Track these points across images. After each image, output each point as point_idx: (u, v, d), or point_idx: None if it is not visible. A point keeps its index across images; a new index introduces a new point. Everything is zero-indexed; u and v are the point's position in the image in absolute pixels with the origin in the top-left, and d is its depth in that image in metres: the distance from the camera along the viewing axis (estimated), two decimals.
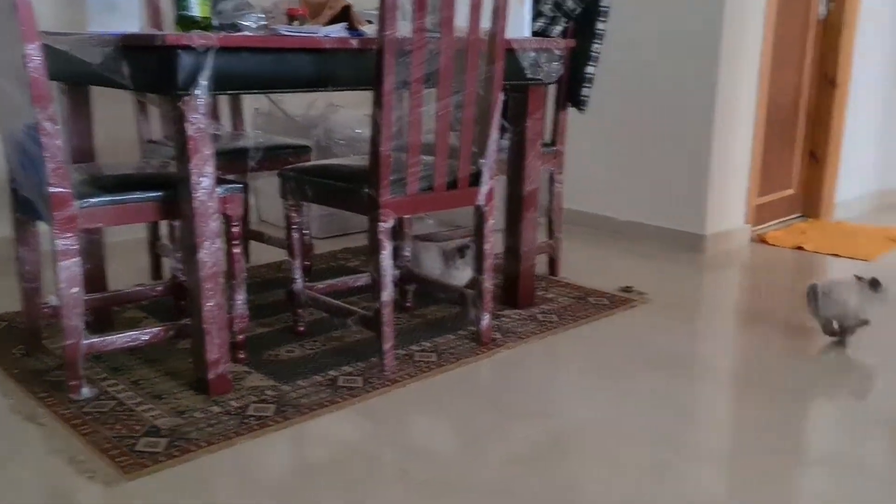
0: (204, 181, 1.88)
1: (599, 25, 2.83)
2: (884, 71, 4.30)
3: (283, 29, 2.05)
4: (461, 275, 2.66)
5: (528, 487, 1.67)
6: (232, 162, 2.61)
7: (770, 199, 3.92)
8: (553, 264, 3.09)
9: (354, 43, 2.02)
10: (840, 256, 3.47)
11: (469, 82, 2.18)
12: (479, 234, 2.34)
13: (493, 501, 1.62)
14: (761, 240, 3.71)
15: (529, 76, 2.44)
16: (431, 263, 2.67)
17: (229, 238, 2.13)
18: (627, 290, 2.95)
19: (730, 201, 3.58)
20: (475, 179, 2.30)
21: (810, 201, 4.16)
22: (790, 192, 4.08)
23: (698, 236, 3.50)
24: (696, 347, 2.51)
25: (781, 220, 4.05)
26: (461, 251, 2.66)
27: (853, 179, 4.28)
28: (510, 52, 2.34)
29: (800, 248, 3.60)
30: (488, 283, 2.36)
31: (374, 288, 2.14)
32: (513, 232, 2.69)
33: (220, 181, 1.99)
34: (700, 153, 3.44)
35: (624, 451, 1.82)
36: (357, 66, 2.06)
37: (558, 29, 2.80)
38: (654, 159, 3.62)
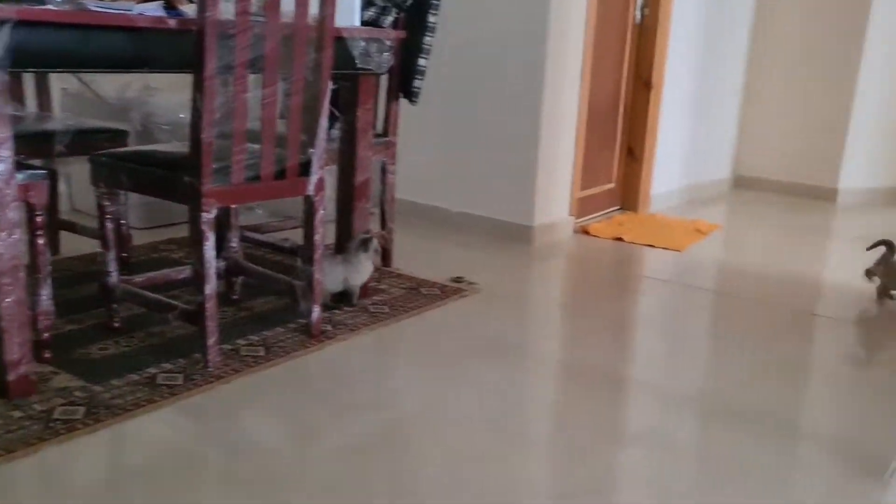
0: None
1: (431, 18, 2.86)
2: (693, 73, 4.65)
3: (92, 4, 1.90)
4: (364, 269, 2.61)
5: (360, 480, 1.66)
6: (36, 146, 2.41)
7: (592, 192, 4.13)
8: (385, 255, 3.09)
9: (172, 23, 1.92)
10: (655, 247, 3.71)
11: (297, 69, 2.13)
12: (308, 224, 2.30)
13: (325, 497, 1.60)
14: (584, 231, 3.90)
15: (360, 65, 2.42)
16: (328, 276, 2.54)
17: (32, 228, 1.96)
18: (459, 280, 3.01)
19: (555, 194, 3.74)
20: (304, 169, 2.25)
21: (628, 195, 4.42)
22: (610, 186, 4.32)
23: (526, 227, 3.62)
24: (523, 335, 2.60)
25: (602, 212, 4.27)
26: (364, 244, 2.60)
27: (666, 175, 4.59)
28: (340, 41, 2.31)
29: (619, 238, 3.81)
30: (318, 274, 2.32)
31: (197, 281, 2.04)
32: (344, 222, 2.66)
33: (21, 166, 1.83)
34: (528, 148, 3.56)
35: (454, 439, 1.85)
36: (175, 48, 1.95)
37: (389, 19, 2.80)
38: (484, 153, 3.71)
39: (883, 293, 3.07)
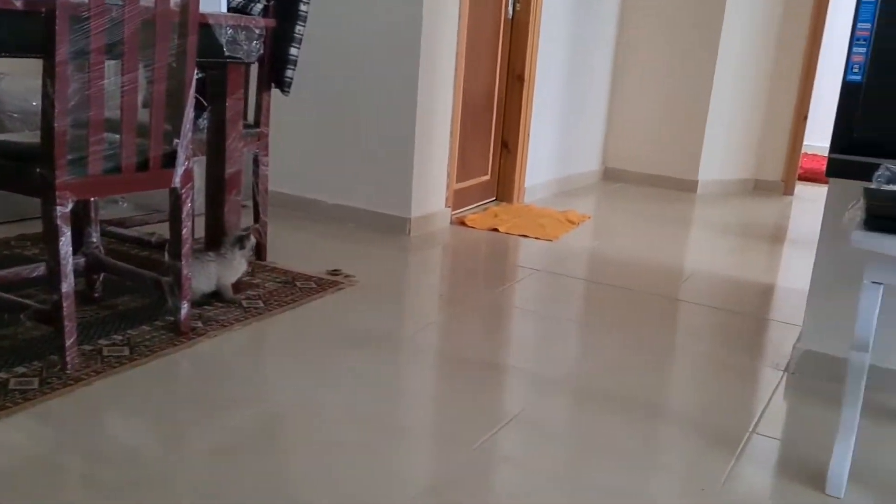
0: None
1: (302, 7, 2.81)
2: (564, 68, 4.79)
3: None
4: (238, 267, 2.52)
5: (232, 479, 1.61)
6: None
7: (468, 184, 4.18)
8: (260, 248, 3.01)
9: (18, 4, 1.79)
10: (528, 237, 3.81)
11: (159, 56, 2.04)
12: (175, 218, 2.21)
13: (196, 499, 1.55)
14: (460, 222, 3.95)
15: (228, 54, 2.35)
16: (200, 277, 2.43)
17: None
18: (335, 273, 2.98)
19: (431, 186, 3.77)
20: (169, 160, 2.16)
21: (503, 187, 4.51)
22: (486, 178, 4.39)
23: (403, 219, 3.63)
24: (400, 326, 2.60)
25: (478, 204, 4.34)
26: (241, 241, 2.50)
27: (539, 167, 4.71)
28: (205, 27, 2.23)
29: (494, 229, 3.89)
30: (186, 269, 2.24)
31: (52, 278, 1.92)
32: (215, 216, 2.58)
33: None
34: (404, 140, 3.57)
35: (329, 432, 1.83)
36: (22, 31, 1.82)
37: (259, 7, 2.73)
38: (360, 145, 3.68)
39: None
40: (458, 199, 4.07)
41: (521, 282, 3.16)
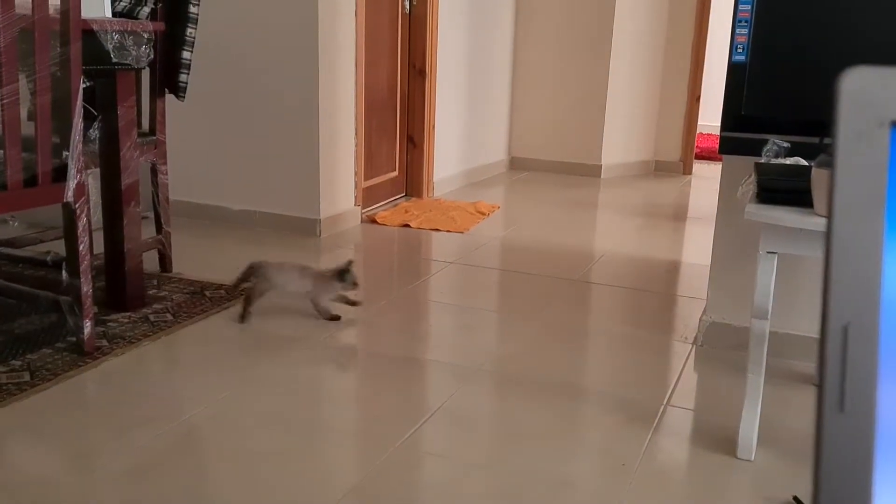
0: None
1: (192, 9, 2.73)
2: (465, 61, 4.82)
3: None
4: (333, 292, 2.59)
5: (153, 498, 1.56)
6: None
7: (376, 181, 4.16)
8: (164, 260, 2.92)
9: None
10: (440, 230, 3.82)
11: (40, 65, 1.94)
12: (70, 234, 2.11)
13: None
14: (371, 220, 3.93)
15: (115, 60, 2.26)
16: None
17: None
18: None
19: (339, 185, 3.73)
20: (60, 174, 2.07)
21: (412, 182, 4.51)
22: (394, 174, 4.38)
23: (313, 221, 3.58)
24: (315, 328, 2.56)
25: (388, 200, 4.33)
26: (341, 275, 2.57)
27: (446, 160, 4.73)
28: (89, 34, 2.14)
29: (406, 225, 3.88)
30: (86, 287, 2.15)
31: None
32: (113, 229, 2.48)
33: None
34: (308, 141, 3.52)
35: (249, 441, 1.79)
36: None
37: (146, 10, 2.63)
38: (263, 148, 3.61)
39: None
40: (368, 196, 4.05)
41: (435, 275, 3.17)
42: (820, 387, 0.32)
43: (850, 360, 0.31)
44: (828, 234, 0.31)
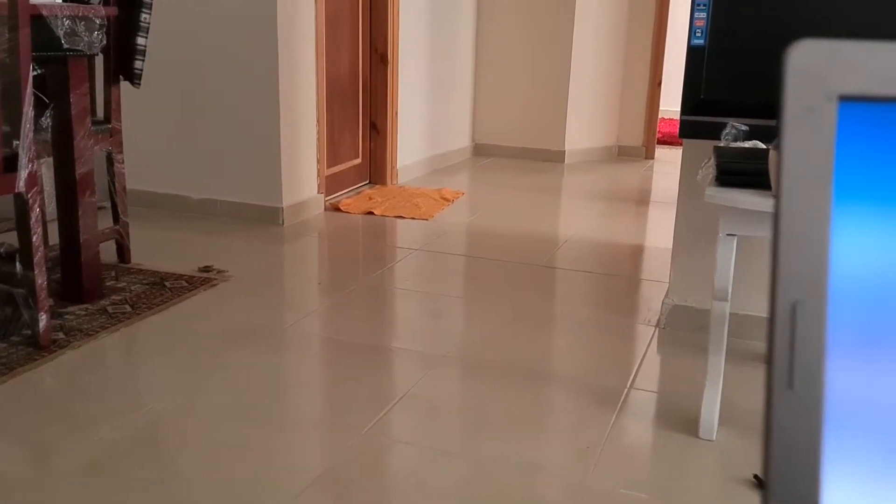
0: None
1: None
2: (428, 47, 4.79)
3: None
4: None
5: (115, 492, 1.53)
6: None
7: (340, 169, 4.13)
8: (122, 251, 2.87)
9: None
10: (404, 218, 3.80)
11: None
12: (23, 225, 2.06)
13: None
14: (335, 208, 3.90)
15: (67, 46, 2.20)
16: None
17: None
18: (207, 269, 2.87)
19: (302, 173, 3.69)
20: (10, 164, 2.01)
21: (376, 169, 4.48)
22: (357, 161, 4.34)
23: (275, 209, 3.54)
24: (279, 318, 2.54)
25: (352, 188, 4.30)
26: None
27: (410, 147, 4.71)
28: (39, 19, 2.08)
29: (370, 212, 3.86)
30: (41, 279, 2.10)
31: None
32: (68, 220, 2.42)
33: None
34: (269, 128, 3.47)
35: (212, 433, 1.77)
36: None
37: None
38: (223, 136, 3.56)
39: None
40: (331, 184, 4.01)
41: (400, 262, 3.16)
42: (769, 365, 0.32)
43: (799, 338, 0.31)
44: (776, 211, 0.31)
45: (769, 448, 0.32)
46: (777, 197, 0.31)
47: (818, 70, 0.30)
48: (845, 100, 0.31)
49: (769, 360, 0.32)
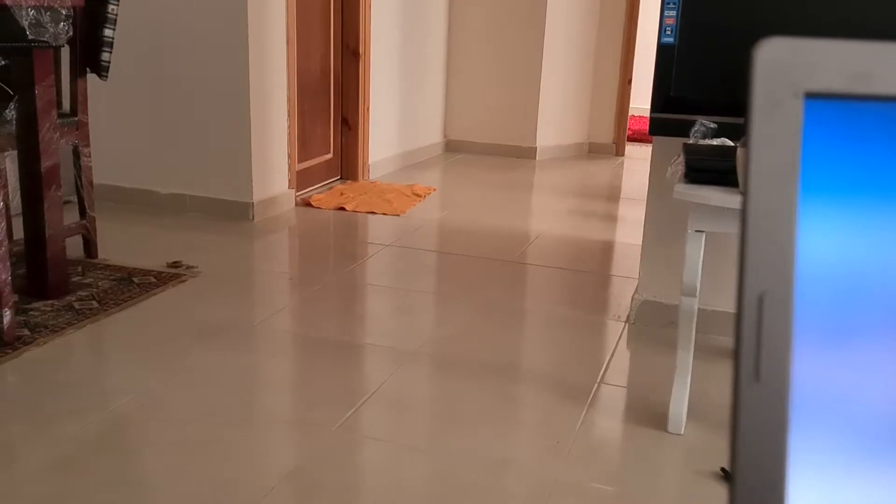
0: None
1: None
2: (398, 41, 4.78)
3: None
4: None
5: (80, 492, 1.51)
6: None
7: (311, 164, 4.10)
8: (89, 246, 2.83)
9: None
10: (376, 213, 3.79)
11: None
12: None
13: None
14: (306, 203, 3.88)
15: (31, 38, 2.16)
16: None
17: None
18: (176, 265, 2.84)
19: (272, 168, 3.66)
20: None
21: (347, 164, 4.46)
22: (328, 156, 4.32)
23: (245, 204, 3.51)
24: (249, 314, 2.52)
25: (323, 183, 4.27)
26: None
27: (382, 142, 4.70)
28: (2, 9, 2.04)
29: (341, 208, 3.84)
30: (5, 274, 2.06)
31: None
32: (33, 214, 2.38)
33: None
34: (239, 122, 3.44)
35: (180, 431, 1.75)
36: None
37: None
38: (192, 129, 3.52)
39: None
40: (302, 179, 3.99)
41: (371, 258, 3.15)
42: (736, 357, 0.32)
43: (766, 330, 0.32)
44: (743, 205, 0.31)
45: (736, 440, 0.32)
46: (745, 190, 0.32)
47: (785, 67, 0.31)
48: (811, 96, 0.31)
49: (736, 352, 0.32)
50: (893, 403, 0.32)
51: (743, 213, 0.31)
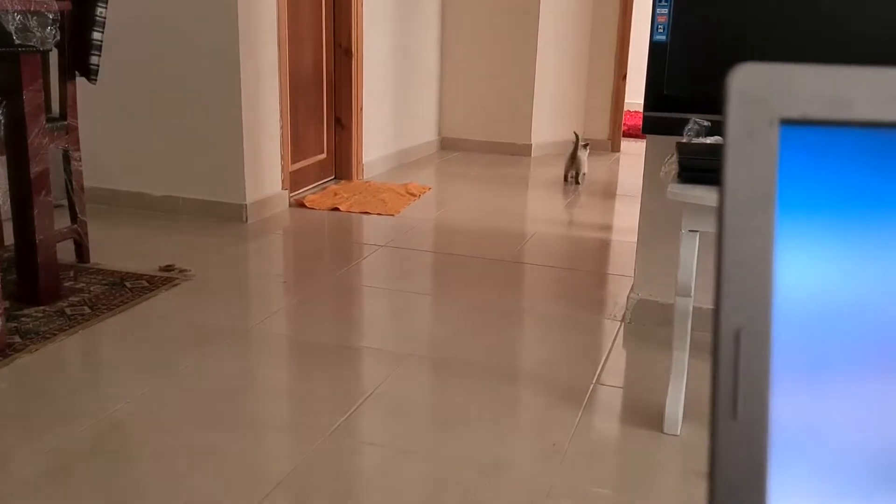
0: None
1: None
2: (391, 40, 4.76)
3: None
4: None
5: (68, 499, 1.50)
6: None
7: (304, 164, 4.09)
8: (81, 250, 2.81)
9: None
10: (370, 213, 3.78)
11: None
12: None
13: None
14: (299, 204, 3.86)
15: (18, 42, 2.15)
16: None
17: None
18: (169, 268, 2.83)
19: (266, 169, 3.65)
20: None
21: (341, 164, 4.45)
22: (322, 156, 4.31)
23: (238, 206, 3.50)
24: (244, 317, 2.51)
25: (316, 183, 4.26)
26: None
27: (376, 142, 4.68)
28: None
29: (335, 208, 3.83)
30: None
31: None
32: (24, 220, 2.37)
33: None
34: (231, 124, 3.42)
35: (175, 437, 1.74)
36: None
37: None
38: (184, 131, 3.50)
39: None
40: (296, 180, 3.97)
41: (366, 259, 3.14)
42: (713, 394, 0.31)
43: (743, 366, 0.31)
44: (718, 237, 0.30)
45: (714, 477, 0.31)
46: (719, 222, 0.30)
47: (759, 94, 0.30)
48: (787, 123, 0.30)
49: (713, 389, 0.31)
50: (873, 439, 0.31)
51: (718, 247, 0.30)
